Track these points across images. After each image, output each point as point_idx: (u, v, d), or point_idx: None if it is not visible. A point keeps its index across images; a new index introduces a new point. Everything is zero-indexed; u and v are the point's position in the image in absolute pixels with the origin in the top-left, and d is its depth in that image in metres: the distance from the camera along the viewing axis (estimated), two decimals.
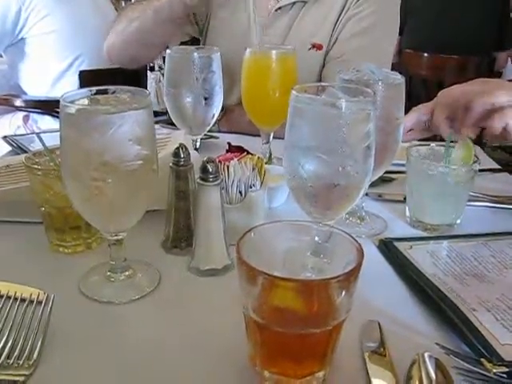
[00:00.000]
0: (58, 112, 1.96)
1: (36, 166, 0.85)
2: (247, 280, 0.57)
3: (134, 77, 2.42)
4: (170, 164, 0.86)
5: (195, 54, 1.10)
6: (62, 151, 0.72)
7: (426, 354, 0.62)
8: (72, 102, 0.70)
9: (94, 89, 0.74)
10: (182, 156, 0.85)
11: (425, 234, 0.99)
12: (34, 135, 1.61)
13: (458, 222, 1.00)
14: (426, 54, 3.18)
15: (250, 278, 0.57)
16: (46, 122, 2.21)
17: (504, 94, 0.89)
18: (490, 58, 3.29)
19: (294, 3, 1.52)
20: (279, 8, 1.52)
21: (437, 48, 3.14)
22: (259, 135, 1.27)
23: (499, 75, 3.65)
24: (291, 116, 0.75)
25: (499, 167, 1.33)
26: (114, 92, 0.75)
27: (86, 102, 0.73)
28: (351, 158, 0.73)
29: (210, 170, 0.78)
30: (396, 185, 1.17)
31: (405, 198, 1.09)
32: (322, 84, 0.79)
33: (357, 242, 0.61)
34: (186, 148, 0.86)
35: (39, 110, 2.22)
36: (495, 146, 3.75)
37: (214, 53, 1.12)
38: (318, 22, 1.51)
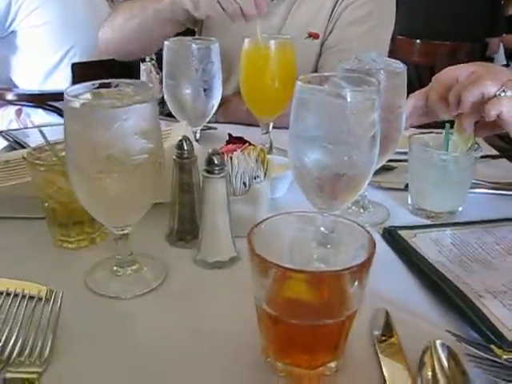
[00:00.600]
0: (50, 105, 1.95)
1: (38, 162, 0.85)
2: (260, 272, 0.57)
3: (126, 68, 2.40)
4: (174, 157, 0.85)
5: (194, 45, 1.09)
6: (66, 146, 0.71)
7: (437, 342, 0.63)
8: (75, 96, 0.70)
9: (97, 82, 0.74)
10: (186, 148, 0.85)
11: (428, 222, 0.99)
12: (31, 129, 1.61)
13: (460, 209, 1.00)
14: (418, 41, 3.17)
15: (263, 270, 0.57)
16: (39, 116, 2.19)
17: (491, 83, 0.89)
18: (482, 44, 3.29)
19: None
20: None
21: (429, 34, 3.13)
22: (257, 125, 1.27)
23: (491, 60, 3.65)
24: (296, 107, 0.75)
25: (498, 153, 1.33)
26: (117, 85, 0.74)
27: (88, 96, 0.72)
28: (357, 148, 0.73)
29: (216, 162, 0.78)
30: (397, 173, 1.17)
31: (406, 186, 1.09)
32: (325, 74, 0.79)
33: (368, 232, 0.61)
34: (190, 140, 0.86)
35: (32, 104, 2.20)
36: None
37: (213, 43, 1.11)
38: (314, 11, 1.51)
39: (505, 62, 3.79)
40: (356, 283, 0.57)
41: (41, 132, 0.86)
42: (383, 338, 0.68)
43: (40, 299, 0.73)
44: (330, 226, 0.67)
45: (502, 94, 0.87)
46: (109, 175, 0.69)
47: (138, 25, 1.47)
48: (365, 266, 0.56)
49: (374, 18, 1.50)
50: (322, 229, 0.68)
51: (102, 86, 0.74)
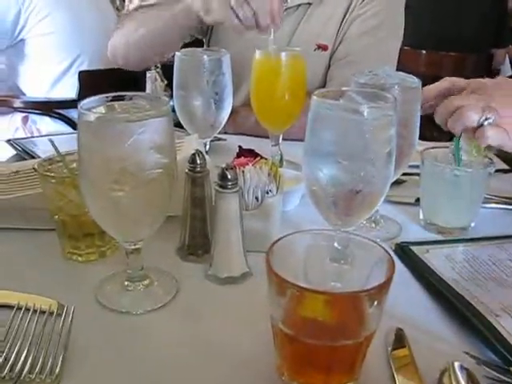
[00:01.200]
0: (57, 113, 1.95)
1: (49, 174, 0.84)
2: (277, 291, 0.57)
3: (132, 76, 2.40)
4: (186, 170, 0.85)
5: (205, 56, 1.09)
6: (79, 159, 0.71)
7: (456, 364, 0.62)
8: (89, 109, 0.69)
9: (111, 95, 0.73)
10: (199, 162, 0.84)
11: (440, 238, 0.98)
12: (38, 138, 1.61)
13: (473, 224, 0.99)
14: (424, 51, 3.17)
15: (280, 289, 0.56)
16: (46, 123, 2.19)
17: (472, 114, 0.88)
18: (488, 55, 3.29)
19: (299, 5, 1.52)
20: (285, 10, 1.51)
21: (435, 45, 3.13)
22: (265, 136, 1.26)
23: (497, 72, 3.65)
24: (312, 121, 0.74)
25: (508, 168, 1.32)
26: (131, 98, 0.74)
27: (102, 109, 0.72)
28: (373, 164, 0.72)
29: (229, 176, 0.77)
30: (407, 187, 1.16)
31: (416, 200, 1.08)
32: (342, 89, 0.78)
33: (385, 250, 0.60)
34: (203, 154, 0.85)
35: (38, 111, 2.20)
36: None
37: (224, 55, 1.10)
38: (323, 23, 1.51)
39: (511, 73, 3.78)
40: (375, 304, 0.56)
41: (52, 142, 0.85)
42: (399, 358, 0.66)
43: (51, 314, 0.72)
44: (344, 243, 0.66)
45: (485, 123, 0.87)
46: (122, 189, 0.69)
47: (148, 31, 1.46)
48: (384, 287, 0.55)
49: (383, 29, 1.50)
50: (336, 245, 0.68)
51: (115, 98, 0.73)
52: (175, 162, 0.72)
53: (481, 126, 0.87)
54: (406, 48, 3.25)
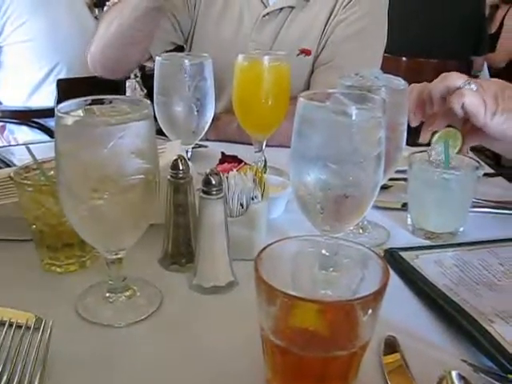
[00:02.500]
0: (35, 122, 1.91)
1: (26, 182, 0.80)
2: (267, 300, 0.54)
3: (112, 85, 2.36)
4: (168, 177, 0.82)
5: (186, 60, 1.06)
6: (57, 166, 0.68)
7: (453, 373, 0.59)
8: (67, 112, 0.66)
9: (89, 98, 0.70)
10: (181, 168, 0.81)
11: (428, 243, 0.96)
12: (16, 147, 1.57)
13: (461, 229, 0.98)
14: (404, 58, 3.18)
15: (270, 298, 0.53)
16: (23, 133, 2.15)
17: (456, 77, 0.93)
18: (467, 62, 3.30)
19: (281, 9, 1.51)
20: (267, 14, 1.50)
21: (415, 52, 3.14)
22: (248, 143, 1.24)
23: (476, 78, 3.67)
24: (298, 124, 0.72)
25: (494, 171, 1.32)
26: (110, 102, 0.71)
27: (80, 112, 0.69)
28: (362, 168, 0.70)
29: (214, 182, 0.74)
30: (393, 192, 1.15)
31: (403, 206, 1.06)
32: (328, 91, 0.76)
33: (380, 257, 0.58)
34: (185, 160, 0.82)
35: (16, 121, 2.15)
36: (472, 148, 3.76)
37: (206, 59, 1.08)
38: (306, 28, 1.50)
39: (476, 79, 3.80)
40: (369, 312, 0.53)
41: (28, 149, 0.82)
42: (391, 363, 0.65)
43: (28, 328, 0.68)
44: (333, 249, 0.64)
45: (467, 87, 0.90)
46: (102, 196, 0.66)
47: (118, 26, 1.42)
48: (379, 294, 0.53)
49: (367, 34, 1.49)
50: (324, 252, 0.65)
51: (94, 102, 0.70)
52: (157, 167, 0.70)
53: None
54: (386, 55, 3.26)
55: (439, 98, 0.94)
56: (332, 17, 1.49)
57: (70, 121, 0.64)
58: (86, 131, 0.64)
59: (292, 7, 1.50)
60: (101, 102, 0.71)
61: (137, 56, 1.53)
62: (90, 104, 0.70)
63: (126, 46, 1.47)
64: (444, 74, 0.94)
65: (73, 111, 0.68)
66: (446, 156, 0.94)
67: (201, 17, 1.57)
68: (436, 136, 0.96)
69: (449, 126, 0.98)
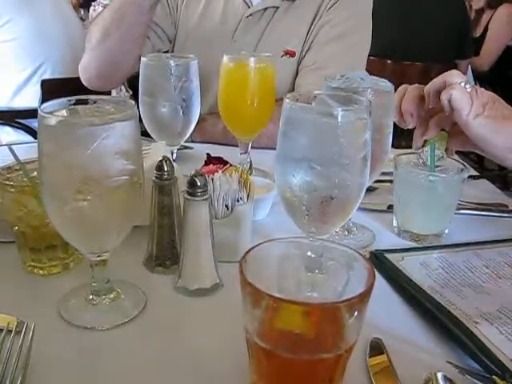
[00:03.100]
0: (19, 123, 1.88)
1: (8, 183, 0.79)
2: (252, 303, 0.53)
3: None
4: (153, 178, 0.81)
5: (172, 61, 1.06)
6: (40, 166, 0.67)
7: (439, 375, 0.59)
8: (50, 112, 0.65)
9: (73, 98, 0.69)
10: (166, 169, 0.80)
11: (414, 245, 0.96)
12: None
13: (447, 231, 0.98)
14: (389, 61, 3.19)
15: (256, 301, 0.53)
16: (7, 133, 2.12)
17: (456, 74, 0.93)
18: (452, 66, 3.32)
19: (265, 9, 1.49)
20: (250, 15, 1.49)
21: (400, 55, 3.15)
22: (233, 145, 1.23)
23: None
24: (284, 126, 0.71)
25: (478, 174, 1.32)
26: (95, 102, 0.70)
27: (64, 112, 0.68)
28: (348, 170, 0.70)
29: (199, 183, 0.74)
30: (378, 194, 1.15)
31: (389, 207, 1.07)
32: (314, 92, 0.76)
33: (365, 259, 0.58)
34: (170, 161, 0.81)
35: None
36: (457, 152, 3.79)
37: (192, 60, 1.07)
38: (290, 29, 1.49)
39: (473, 83, 3.83)
40: (355, 314, 0.53)
41: (11, 150, 0.81)
42: (378, 368, 0.64)
43: (9, 331, 0.67)
44: (319, 251, 0.64)
45: (462, 84, 0.90)
46: (86, 198, 0.65)
47: (105, 33, 1.39)
48: (365, 296, 0.53)
49: (351, 36, 1.49)
50: (310, 253, 0.65)
51: (78, 102, 0.69)
52: (142, 168, 0.69)
53: None
54: (371, 58, 3.26)
55: (435, 93, 0.94)
56: (317, 19, 1.48)
57: (53, 121, 0.63)
58: (70, 131, 0.63)
59: (276, 7, 1.49)
60: (85, 102, 0.70)
61: (128, 64, 1.48)
62: (73, 104, 0.69)
63: (116, 54, 1.43)
64: (446, 72, 0.94)
65: (56, 111, 0.67)
66: (431, 158, 0.94)
67: (183, 18, 1.56)
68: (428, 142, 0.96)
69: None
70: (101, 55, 1.45)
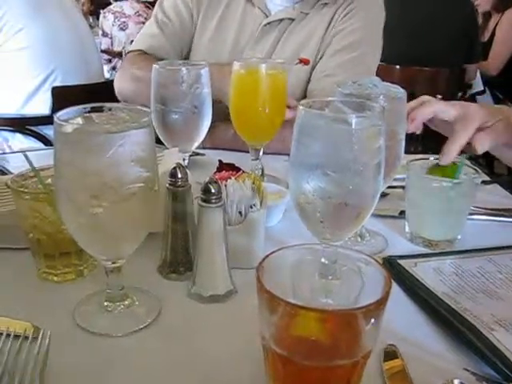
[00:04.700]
0: (30, 130, 1.89)
1: (23, 190, 0.80)
2: (269, 310, 0.53)
3: (108, 93, 2.36)
4: (167, 185, 0.81)
5: (184, 68, 1.06)
6: (56, 174, 0.67)
7: (455, 382, 0.59)
8: (66, 120, 0.65)
9: (88, 106, 0.70)
10: (180, 176, 0.81)
11: (426, 251, 0.96)
12: (10, 154, 1.56)
13: (459, 237, 0.98)
14: (397, 67, 3.19)
15: (272, 307, 0.53)
16: (18, 141, 2.13)
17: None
18: (460, 70, 3.32)
19: (281, 20, 1.53)
20: (268, 23, 1.53)
21: (408, 61, 3.15)
22: (245, 151, 1.23)
23: (469, 87, 3.69)
24: (298, 132, 0.72)
25: (489, 179, 1.32)
26: (110, 109, 0.70)
27: (80, 120, 0.68)
28: (362, 176, 0.70)
29: (213, 190, 0.74)
30: (390, 200, 1.15)
31: (400, 213, 1.06)
32: (327, 99, 0.76)
33: (381, 266, 0.58)
34: (184, 168, 0.82)
35: (10, 128, 2.14)
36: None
37: (203, 67, 1.08)
38: (304, 38, 1.52)
39: (482, 88, 3.83)
40: (372, 321, 0.53)
41: (26, 157, 0.81)
42: (393, 372, 0.64)
43: (26, 338, 0.68)
44: (333, 258, 0.64)
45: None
46: (101, 205, 0.65)
47: None
48: (382, 303, 0.53)
49: (363, 45, 1.51)
50: (323, 260, 0.65)
51: (93, 109, 0.70)
52: (157, 175, 0.69)
53: None
54: (380, 63, 3.27)
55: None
56: (330, 28, 1.52)
57: (69, 129, 0.64)
58: (86, 139, 0.63)
59: (292, 19, 1.53)
60: (100, 109, 0.70)
61: None
62: (88, 112, 0.69)
63: None
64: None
65: (72, 119, 0.67)
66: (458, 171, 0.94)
67: (200, 24, 1.59)
68: None
69: None
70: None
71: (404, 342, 0.70)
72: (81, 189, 0.65)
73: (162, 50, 1.57)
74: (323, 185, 0.70)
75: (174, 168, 0.81)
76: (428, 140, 3.01)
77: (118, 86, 1.60)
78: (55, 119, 0.64)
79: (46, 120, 2.10)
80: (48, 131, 2.13)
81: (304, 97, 1.51)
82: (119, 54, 4.21)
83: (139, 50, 1.58)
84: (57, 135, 0.65)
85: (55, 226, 0.80)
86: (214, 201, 0.75)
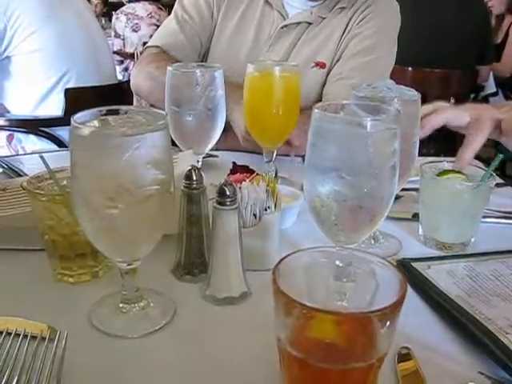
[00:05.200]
0: (43, 131, 1.90)
1: (40, 192, 0.81)
2: (285, 312, 0.54)
3: (120, 94, 2.38)
4: (182, 187, 0.82)
5: (198, 71, 1.06)
6: (72, 176, 0.68)
7: None
8: (82, 123, 0.66)
9: (104, 109, 0.70)
10: (195, 178, 0.81)
11: (440, 253, 0.96)
12: (25, 156, 1.57)
13: (473, 240, 0.98)
14: (410, 68, 3.18)
15: (288, 310, 0.53)
16: (31, 142, 2.14)
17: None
18: (473, 72, 3.31)
19: (298, 23, 1.54)
20: (285, 26, 1.54)
21: (420, 62, 3.15)
22: (257, 152, 1.24)
23: (481, 88, 3.68)
24: (313, 135, 0.72)
25: (503, 181, 1.31)
26: (126, 112, 0.71)
27: (96, 123, 0.69)
28: (377, 179, 0.70)
29: (228, 193, 0.74)
30: (403, 202, 1.14)
31: (414, 216, 1.06)
32: (342, 102, 0.76)
33: (396, 268, 0.58)
34: (199, 170, 0.82)
35: (23, 129, 2.15)
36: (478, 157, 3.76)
37: (217, 70, 1.08)
38: (322, 42, 1.53)
39: (495, 90, 3.81)
40: (387, 324, 0.53)
41: (42, 159, 0.81)
42: (407, 372, 0.64)
43: (43, 339, 0.68)
44: (347, 260, 0.64)
45: None
46: (117, 207, 0.65)
47: None
48: (397, 306, 0.53)
49: (378, 49, 1.52)
50: (338, 262, 0.65)
51: (109, 112, 0.70)
52: (172, 178, 0.70)
53: None
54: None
55: None
56: (346, 32, 1.53)
57: (86, 131, 0.64)
58: (103, 142, 0.64)
59: (309, 23, 1.54)
60: (116, 112, 0.71)
61: None
62: (105, 114, 0.70)
63: None
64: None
65: (88, 122, 0.67)
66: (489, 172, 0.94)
67: (220, 23, 1.60)
68: None
69: None
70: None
71: (418, 345, 0.70)
72: (97, 191, 0.66)
73: (179, 47, 1.57)
74: (338, 188, 0.70)
75: (189, 170, 0.82)
76: (440, 142, 3.01)
77: (134, 82, 1.61)
78: (72, 122, 0.65)
79: (59, 121, 2.12)
80: (61, 132, 2.14)
81: (319, 100, 1.51)
82: (131, 56, 4.23)
83: (157, 47, 1.59)
84: (73, 138, 0.65)
85: (71, 228, 0.80)
86: (229, 203, 0.75)
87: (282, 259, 0.58)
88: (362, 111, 0.75)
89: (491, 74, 3.67)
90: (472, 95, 3.43)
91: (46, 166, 0.81)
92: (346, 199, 0.71)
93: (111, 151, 0.64)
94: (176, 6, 1.65)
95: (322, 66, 1.51)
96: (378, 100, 0.83)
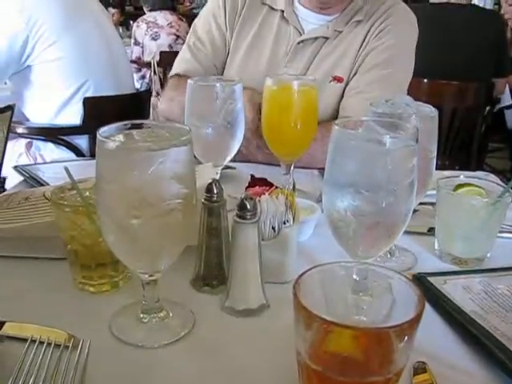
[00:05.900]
0: (61, 139, 1.92)
1: (63, 202, 0.82)
2: (305, 326, 0.55)
3: (137, 104, 2.40)
4: (202, 200, 0.83)
5: (218, 84, 1.08)
6: (97, 188, 0.69)
7: None
8: (107, 137, 0.68)
9: (129, 122, 0.72)
10: (216, 192, 0.83)
11: (456, 268, 0.96)
12: (45, 165, 1.59)
13: (489, 255, 0.98)
14: (425, 80, 3.18)
15: (309, 324, 0.54)
16: (49, 150, 2.18)
17: None
18: (489, 84, 3.30)
19: (315, 38, 1.55)
20: (301, 41, 1.55)
21: (436, 74, 3.15)
22: (275, 164, 1.25)
23: (497, 101, 3.67)
24: (332, 151, 0.73)
25: None
26: (149, 127, 0.73)
27: (121, 137, 0.70)
28: (395, 195, 0.71)
29: (249, 207, 0.76)
30: (419, 216, 1.15)
31: (429, 230, 1.07)
32: (361, 118, 0.77)
33: (414, 284, 0.59)
34: (219, 183, 0.84)
35: (42, 137, 2.19)
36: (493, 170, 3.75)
37: (237, 83, 1.10)
38: (339, 56, 1.54)
39: (511, 102, 3.80)
40: (405, 339, 0.54)
41: (66, 170, 0.83)
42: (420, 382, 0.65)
43: (66, 347, 0.70)
44: (364, 274, 0.65)
45: None
46: (141, 219, 0.67)
47: None
48: (415, 322, 0.54)
49: (395, 63, 1.52)
50: (355, 276, 0.66)
51: (133, 126, 0.72)
52: (195, 192, 0.71)
53: None
54: None
55: None
56: (363, 46, 1.53)
57: (112, 145, 0.66)
58: (128, 156, 0.66)
59: (326, 38, 1.54)
60: (140, 126, 0.72)
61: None
62: (129, 128, 0.72)
63: None
64: None
65: (113, 135, 0.69)
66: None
67: (234, 43, 1.61)
68: None
69: None
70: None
71: (433, 360, 0.71)
72: (121, 203, 0.67)
73: (196, 72, 1.58)
74: (356, 203, 0.72)
75: (210, 183, 0.83)
76: (455, 153, 3.00)
77: (160, 109, 1.63)
78: (98, 136, 0.67)
79: (78, 130, 2.15)
80: (79, 141, 2.17)
81: (336, 113, 1.52)
82: (148, 64, 4.28)
83: (176, 75, 1.62)
84: (99, 151, 0.67)
85: (93, 238, 0.82)
86: (249, 217, 0.76)
87: (302, 274, 0.59)
88: (380, 127, 0.76)
89: (507, 86, 3.66)
90: (488, 108, 3.42)
91: (71, 177, 0.83)
92: (364, 214, 0.72)
93: (136, 165, 0.65)
94: (190, 34, 1.68)
95: (340, 80, 1.52)
96: (397, 116, 0.84)
